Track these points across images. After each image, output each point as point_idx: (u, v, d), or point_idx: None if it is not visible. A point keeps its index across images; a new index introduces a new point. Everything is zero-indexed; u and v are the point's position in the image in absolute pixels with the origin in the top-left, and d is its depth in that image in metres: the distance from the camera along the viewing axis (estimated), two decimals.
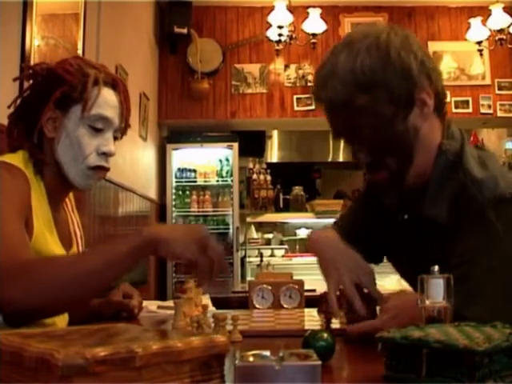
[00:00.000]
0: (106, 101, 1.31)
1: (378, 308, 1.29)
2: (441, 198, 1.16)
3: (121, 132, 1.38)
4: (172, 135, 5.54)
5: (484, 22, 4.96)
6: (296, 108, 5.33)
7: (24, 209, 1.19)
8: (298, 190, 5.63)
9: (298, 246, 5.86)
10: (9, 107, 1.37)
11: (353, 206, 1.54)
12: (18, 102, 1.36)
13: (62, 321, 1.31)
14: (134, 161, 4.34)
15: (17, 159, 1.26)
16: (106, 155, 1.32)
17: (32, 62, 2.35)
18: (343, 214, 1.54)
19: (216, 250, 1.12)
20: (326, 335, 0.92)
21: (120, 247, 1.08)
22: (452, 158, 1.17)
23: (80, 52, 3.00)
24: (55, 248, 1.29)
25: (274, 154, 7.60)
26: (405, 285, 1.43)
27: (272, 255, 5.54)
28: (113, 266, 1.08)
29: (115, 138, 1.36)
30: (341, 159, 7.20)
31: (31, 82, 1.35)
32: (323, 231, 1.40)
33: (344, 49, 1.14)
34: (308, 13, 4.99)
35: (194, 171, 5.55)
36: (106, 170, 1.35)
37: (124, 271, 1.11)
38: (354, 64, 1.11)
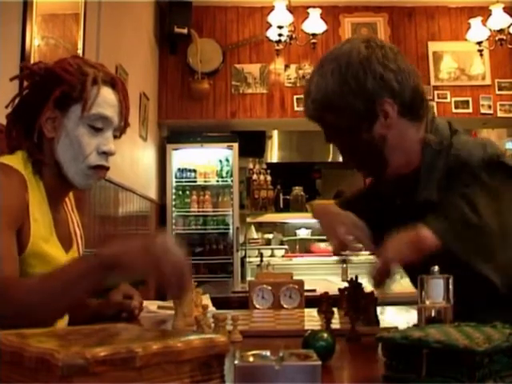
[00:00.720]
0: (106, 100, 1.30)
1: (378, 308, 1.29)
2: (430, 183, 1.30)
3: (120, 131, 1.37)
4: (172, 135, 5.54)
5: (484, 22, 4.95)
6: (296, 108, 5.33)
7: (17, 214, 1.19)
8: (298, 190, 5.63)
9: (298, 246, 5.86)
10: (6, 107, 1.36)
11: (355, 193, 1.64)
12: (17, 101, 1.36)
13: (61, 321, 1.31)
14: (134, 161, 4.35)
15: (15, 160, 1.26)
16: (107, 154, 1.32)
17: (31, 62, 2.35)
18: (346, 197, 1.65)
19: (173, 263, 1.03)
20: (325, 335, 0.92)
21: (78, 269, 1.09)
22: (437, 147, 1.30)
23: (80, 52, 3.00)
24: (54, 249, 1.29)
25: (274, 155, 7.59)
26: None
27: (272, 255, 5.54)
28: (71, 288, 1.08)
29: (114, 137, 1.36)
30: (341, 159, 7.18)
31: (31, 82, 1.35)
32: (325, 203, 1.57)
33: (318, 70, 1.32)
34: (308, 13, 4.99)
35: (194, 171, 5.55)
36: (106, 169, 1.35)
37: (83, 291, 1.11)
38: (321, 86, 1.29)
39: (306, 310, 1.61)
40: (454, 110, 5.35)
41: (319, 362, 0.67)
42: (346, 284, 1.55)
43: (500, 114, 5.36)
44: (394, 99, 1.27)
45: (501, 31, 4.82)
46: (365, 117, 1.27)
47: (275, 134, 7.32)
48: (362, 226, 1.34)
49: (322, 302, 1.35)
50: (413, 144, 1.33)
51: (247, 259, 5.42)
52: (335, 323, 1.32)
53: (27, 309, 1.07)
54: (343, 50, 1.31)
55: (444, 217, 1.18)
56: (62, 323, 1.31)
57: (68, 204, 1.45)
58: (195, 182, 5.54)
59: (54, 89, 1.27)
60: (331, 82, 1.27)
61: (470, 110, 5.37)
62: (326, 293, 1.58)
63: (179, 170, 5.50)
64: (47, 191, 1.30)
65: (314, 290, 2.39)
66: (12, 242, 1.17)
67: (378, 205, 1.44)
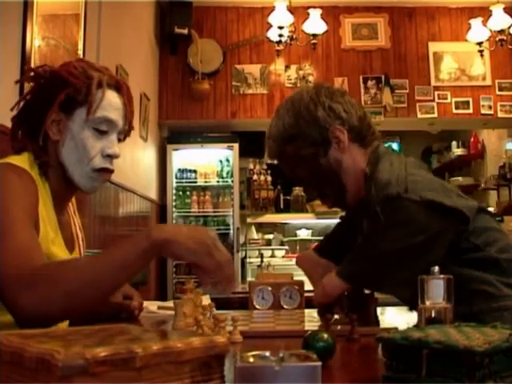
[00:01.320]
0: (111, 103, 1.31)
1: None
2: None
3: (124, 134, 1.38)
4: (172, 136, 5.54)
5: (484, 23, 4.95)
6: None
7: (34, 211, 1.20)
8: (298, 190, 5.62)
9: (298, 247, 5.86)
10: (12, 110, 1.36)
11: (329, 236, 1.77)
12: (21, 104, 1.36)
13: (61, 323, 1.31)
14: (135, 161, 4.35)
15: (22, 161, 1.26)
16: (111, 157, 1.32)
17: (33, 63, 2.35)
18: (322, 242, 1.75)
19: (223, 254, 1.09)
20: (325, 336, 0.92)
21: (129, 250, 1.08)
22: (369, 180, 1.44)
23: (80, 52, 3.00)
24: (60, 251, 1.29)
25: None
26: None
27: (272, 256, 5.54)
28: (122, 270, 1.07)
29: (119, 140, 1.36)
30: None
31: (34, 84, 1.35)
32: (306, 253, 1.73)
33: (274, 116, 1.53)
34: (308, 13, 4.99)
35: (195, 172, 5.55)
36: (111, 171, 1.35)
37: (133, 274, 1.11)
38: (279, 125, 1.49)
39: (306, 311, 1.61)
40: (455, 111, 5.35)
41: (319, 363, 0.67)
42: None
43: (500, 114, 5.36)
44: (343, 126, 1.46)
45: (501, 32, 4.82)
46: (320, 144, 1.46)
47: None
48: None
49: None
50: (360, 172, 1.48)
51: (247, 260, 5.43)
52: (335, 324, 1.32)
53: (77, 288, 1.04)
54: (295, 94, 1.54)
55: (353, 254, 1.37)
56: (63, 323, 1.31)
57: (70, 207, 1.46)
58: (195, 182, 5.54)
59: (59, 92, 1.27)
60: (287, 118, 1.48)
61: (471, 111, 5.37)
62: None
63: (179, 170, 5.50)
64: (52, 193, 1.30)
65: (314, 291, 2.39)
66: (35, 234, 1.17)
67: (353, 234, 1.54)
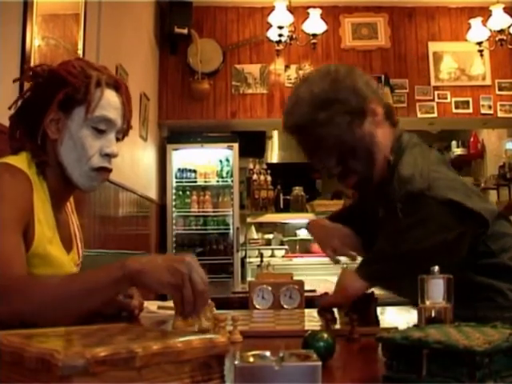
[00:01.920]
0: (109, 102, 1.31)
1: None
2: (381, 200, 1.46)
3: (123, 133, 1.38)
4: (172, 135, 5.54)
5: (484, 23, 4.95)
6: None
7: (24, 214, 1.19)
8: (298, 190, 5.63)
9: (298, 247, 5.86)
10: (10, 108, 1.36)
11: (343, 209, 1.82)
12: (20, 103, 1.36)
13: None
14: (135, 161, 4.34)
15: (20, 161, 1.26)
16: (109, 156, 1.32)
17: (32, 62, 2.35)
18: (336, 212, 1.76)
19: (197, 285, 1.04)
20: (325, 336, 0.92)
21: (102, 276, 1.08)
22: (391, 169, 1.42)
23: (80, 52, 3.00)
24: (57, 250, 1.29)
25: (274, 155, 7.60)
26: None
27: (272, 255, 5.54)
28: (93, 294, 1.08)
29: (117, 140, 1.36)
30: None
31: (32, 83, 1.35)
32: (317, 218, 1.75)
33: (302, 83, 1.48)
34: (308, 13, 4.99)
35: (195, 171, 5.55)
36: (109, 171, 1.35)
37: (103, 300, 1.12)
38: (312, 90, 1.41)
39: (306, 311, 1.61)
40: (455, 111, 5.35)
41: (319, 363, 0.67)
42: None
43: (500, 114, 5.36)
44: (378, 102, 1.44)
45: (501, 31, 4.82)
46: (357, 113, 1.41)
47: (275, 134, 7.32)
48: (351, 235, 1.55)
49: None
50: (388, 153, 1.45)
51: (247, 259, 5.42)
52: (335, 324, 1.32)
53: (47, 307, 1.05)
54: (324, 67, 1.51)
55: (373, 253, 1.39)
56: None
57: (68, 206, 1.46)
58: (195, 182, 5.54)
59: (58, 91, 1.27)
60: (322, 84, 1.41)
61: (471, 111, 5.37)
62: (326, 293, 1.58)
63: (179, 170, 5.50)
64: (50, 192, 1.30)
65: (314, 291, 2.40)
66: (20, 241, 1.17)
67: (364, 217, 1.55)
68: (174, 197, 5.41)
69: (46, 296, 1.06)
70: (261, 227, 6.11)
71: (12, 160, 1.25)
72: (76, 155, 1.29)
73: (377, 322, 1.35)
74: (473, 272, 1.34)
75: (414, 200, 1.32)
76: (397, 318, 1.63)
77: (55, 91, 1.27)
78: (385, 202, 1.42)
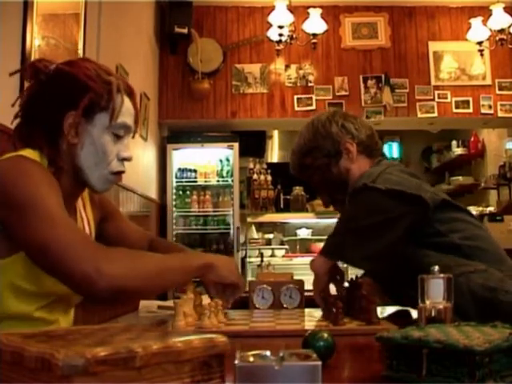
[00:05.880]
0: (127, 109, 1.32)
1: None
2: None
3: (131, 137, 1.40)
4: (172, 135, 5.54)
5: (484, 22, 4.95)
6: (296, 108, 5.33)
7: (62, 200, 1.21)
8: (298, 190, 5.62)
9: (298, 246, 5.87)
10: (13, 105, 1.34)
11: None
12: (25, 101, 1.32)
13: (64, 321, 1.31)
14: (135, 161, 4.32)
15: (34, 156, 1.24)
16: (125, 160, 1.34)
17: (34, 59, 2.34)
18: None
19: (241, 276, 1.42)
20: (325, 335, 0.92)
21: (191, 261, 1.31)
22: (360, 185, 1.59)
23: (80, 52, 3.00)
24: None
25: (274, 154, 7.59)
26: None
27: (272, 255, 5.54)
28: (184, 272, 1.27)
29: None
30: None
31: (36, 81, 1.30)
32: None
33: (298, 135, 1.80)
34: (308, 13, 4.99)
35: (195, 171, 5.54)
36: (123, 173, 1.37)
37: (186, 281, 1.36)
38: (300, 141, 1.77)
39: (307, 310, 1.61)
40: (455, 110, 5.34)
41: (319, 362, 0.67)
42: (346, 284, 1.55)
43: (500, 113, 5.35)
44: (353, 140, 1.71)
45: (501, 31, 4.82)
46: (333, 155, 1.71)
47: (275, 133, 7.32)
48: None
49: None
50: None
51: (248, 259, 5.42)
52: (343, 317, 1.32)
53: (153, 271, 1.19)
54: (315, 116, 1.80)
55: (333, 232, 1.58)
56: (66, 323, 1.31)
57: (79, 203, 1.44)
58: (195, 181, 5.54)
59: (80, 95, 1.25)
60: (306, 134, 1.75)
61: (471, 110, 5.36)
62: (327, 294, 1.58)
63: (179, 169, 5.50)
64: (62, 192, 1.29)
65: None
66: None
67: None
68: (174, 196, 5.41)
69: (151, 263, 1.20)
70: (261, 227, 6.11)
71: (26, 153, 1.24)
72: (96, 160, 1.29)
73: (377, 321, 1.36)
74: (421, 248, 1.50)
75: (359, 191, 1.53)
76: (397, 317, 1.63)
77: (77, 96, 1.25)
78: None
